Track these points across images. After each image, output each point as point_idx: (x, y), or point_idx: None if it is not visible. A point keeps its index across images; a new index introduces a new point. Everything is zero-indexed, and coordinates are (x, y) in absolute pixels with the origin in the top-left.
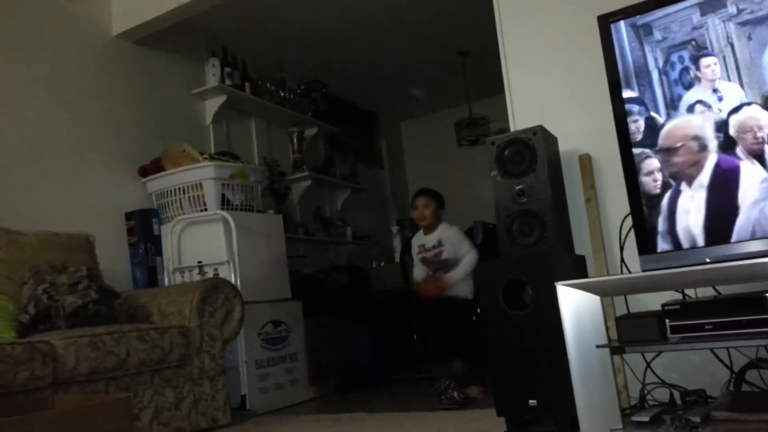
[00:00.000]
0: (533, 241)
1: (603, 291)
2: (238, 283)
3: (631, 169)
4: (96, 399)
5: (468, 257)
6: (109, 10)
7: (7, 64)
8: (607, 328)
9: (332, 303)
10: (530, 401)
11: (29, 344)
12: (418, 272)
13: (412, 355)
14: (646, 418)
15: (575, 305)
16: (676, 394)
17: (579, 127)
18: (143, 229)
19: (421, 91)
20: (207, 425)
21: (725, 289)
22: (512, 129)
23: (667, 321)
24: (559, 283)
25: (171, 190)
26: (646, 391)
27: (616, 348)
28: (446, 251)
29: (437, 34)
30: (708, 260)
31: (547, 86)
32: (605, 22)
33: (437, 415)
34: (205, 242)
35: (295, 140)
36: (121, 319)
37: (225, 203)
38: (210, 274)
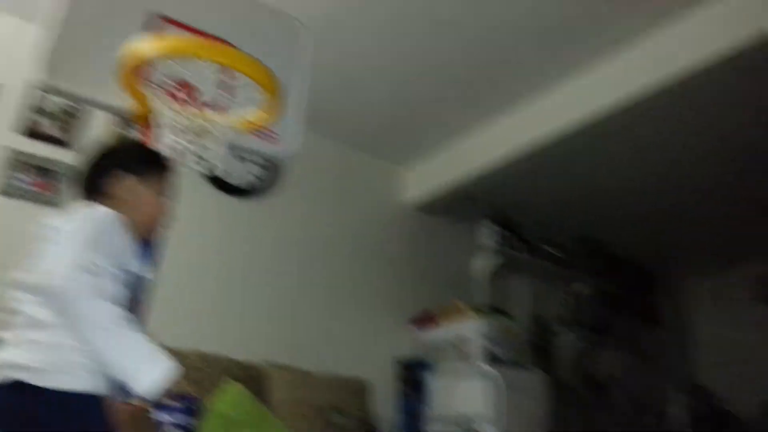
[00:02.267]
0: None
1: None
2: None
3: None
4: None
5: None
6: (405, 182)
7: (310, 218)
8: None
9: None
10: None
11: None
12: None
13: None
14: None
15: None
16: None
17: None
18: (413, 378)
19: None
20: None
21: None
22: None
23: None
24: None
25: (442, 343)
26: None
27: None
28: None
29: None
30: None
31: None
32: None
33: None
34: (470, 396)
35: (568, 298)
36: None
37: (492, 359)
38: (478, 428)
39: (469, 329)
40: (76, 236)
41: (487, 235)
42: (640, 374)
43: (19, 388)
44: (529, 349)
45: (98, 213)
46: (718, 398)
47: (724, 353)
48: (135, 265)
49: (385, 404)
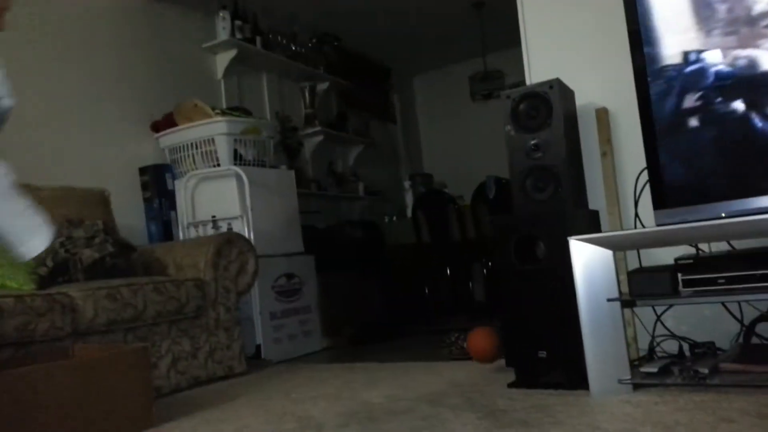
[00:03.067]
0: (547, 196)
1: (616, 245)
2: (252, 237)
3: (648, 123)
4: (115, 349)
5: None
6: None
7: (19, 18)
8: (618, 282)
9: (345, 258)
10: (540, 352)
11: (48, 296)
12: None
13: (424, 308)
14: (655, 369)
15: (587, 260)
16: (685, 347)
17: (597, 79)
18: (157, 184)
19: None
20: (223, 373)
21: (739, 244)
22: (528, 82)
23: (679, 275)
24: (572, 237)
25: (184, 146)
26: (655, 344)
27: (627, 301)
28: None
29: None
30: (723, 215)
31: (564, 38)
32: None
33: (447, 365)
34: (219, 197)
35: (307, 95)
36: (138, 272)
37: (237, 158)
38: (224, 228)
39: (211, 130)
40: None
41: (223, 27)
42: (375, 166)
43: None
44: (272, 147)
45: None
46: (438, 182)
47: (443, 143)
48: None
49: (130, 213)
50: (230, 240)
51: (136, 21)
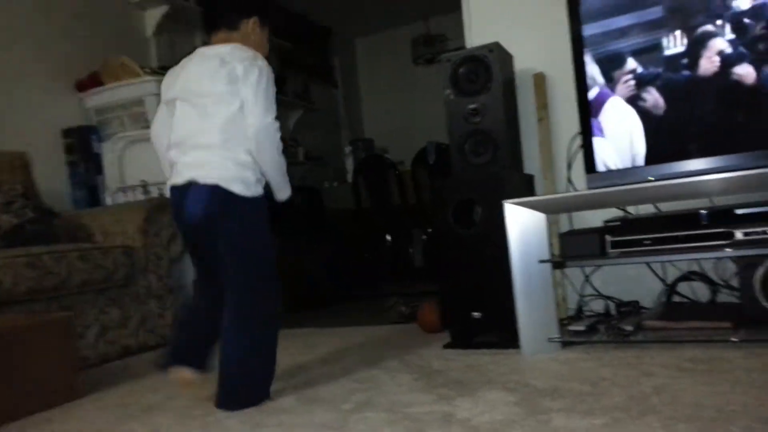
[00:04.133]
0: (485, 160)
1: (548, 209)
2: None
3: (582, 88)
4: (36, 318)
5: None
6: None
7: None
8: (550, 245)
9: (285, 223)
10: (474, 313)
11: None
12: None
13: (364, 273)
14: (582, 328)
15: (521, 223)
16: (612, 306)
17: (535, 44)
18: (82, 147)
19: None
20: (155, 342)
21: (665, 207)
22: (468, 46)
23: (607, 237)
24: (507, 201)
25: (111, 106)
26: (583, 303)
27: (558, 263)
28: None
29: None
30: (651, 178)
31: (505, 2)
32: None
33: (385, 329)
34: (149, 161)
35: None
36: (62, 240)
37: None
38: (155, 194)
39: (141, 90)
40: (265, 91)
41: None
42: (315, 130)
43: (225, 195)
44: None
45: (265, 65)
46: (379, 148)
47: (384, 107)
48: None
49: (53, 178)
50: (161, 205)
51: None
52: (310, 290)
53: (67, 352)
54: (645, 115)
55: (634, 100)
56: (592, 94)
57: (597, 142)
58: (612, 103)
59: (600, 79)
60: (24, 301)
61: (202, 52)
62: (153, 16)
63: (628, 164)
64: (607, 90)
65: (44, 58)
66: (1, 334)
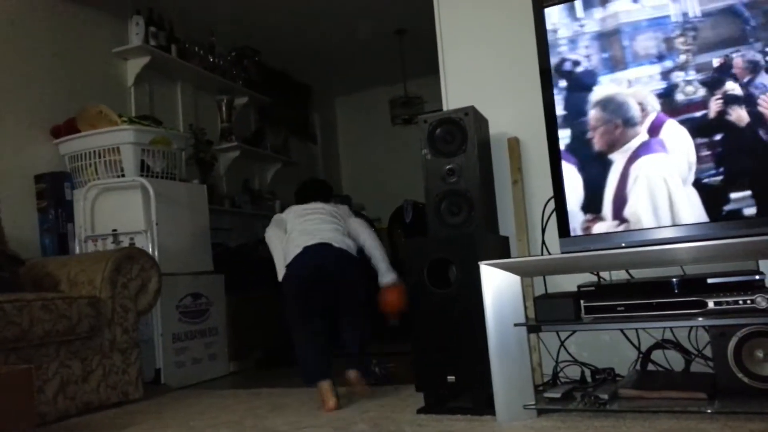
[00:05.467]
0: (461, 220)
1: (523, 271)
2: (156, 253)
3: (555, 153)
4: None
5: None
6: None
7: None
8: (525, 308)
9: (257, 277)
10: (449, 377)
11: None
12: None
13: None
14: (558, 395)
15: (497, 285)
16: (587, 372)
17: (510, 110)
18: (54, 193)
19: (366, 27)
20: (117, 399)
21: (638, 273)
22: (445, 109)
23: (582, 302)
24: (483, 262)
25: (86, 153)
26: (559, 369)
27: (533, 327)
28: None
29: (376, 11)
30: (623, 245)
31: (481, 68)
32: (539, 6)
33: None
34: (122, 210)
35: (223, 108)
36: (26, 288)
37: (145, 170)
38: (126, 243)
39: (116, 138)
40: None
41: (136, 33)
42: (293, 184)
43: (347, 256)
44: (184, 160)
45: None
46: (356, 205)
47: (362, 165)
48: None
49: (22, 224)
50: (131, 255)
51: (40, 19)
52: (280, 347)
53: (24, 407)
54: (618, 181)
55: (607, 166)
56: (565, 158)
57: (570, 206)
58: (584, 169)
59: (572, 145)
60: None
61: None
62: (134, 66)
63: (601, 230)
64: (580, 156)
65: (19, 101)
66: None
